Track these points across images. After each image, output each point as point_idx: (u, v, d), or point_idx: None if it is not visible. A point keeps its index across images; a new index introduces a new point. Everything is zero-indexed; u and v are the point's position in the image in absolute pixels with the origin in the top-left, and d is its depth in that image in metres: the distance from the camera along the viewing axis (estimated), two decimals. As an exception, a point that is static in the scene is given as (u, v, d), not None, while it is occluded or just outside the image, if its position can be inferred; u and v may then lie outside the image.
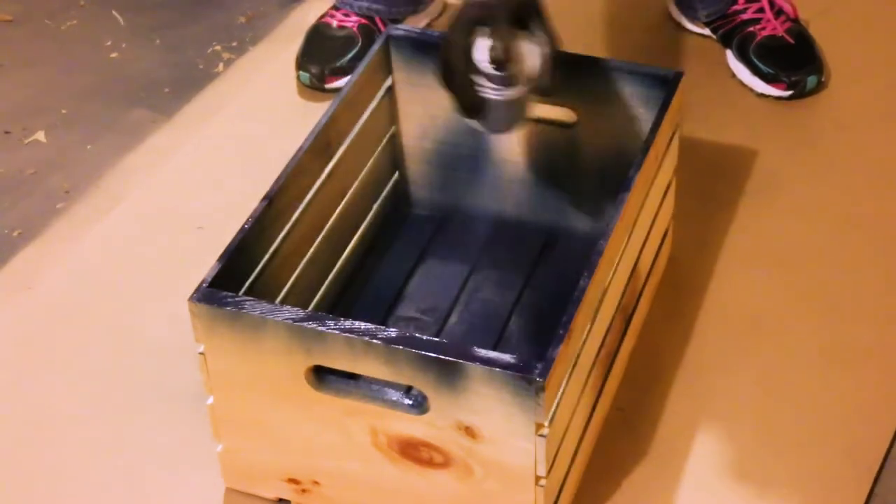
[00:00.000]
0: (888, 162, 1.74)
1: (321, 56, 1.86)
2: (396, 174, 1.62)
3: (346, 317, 1.21)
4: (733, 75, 1.88)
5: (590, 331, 1.28)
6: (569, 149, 1.54)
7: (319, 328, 1.20)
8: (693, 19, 1.94)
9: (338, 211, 1.49)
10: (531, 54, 1.32)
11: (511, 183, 1.59)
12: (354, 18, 1.89)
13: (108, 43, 2.04)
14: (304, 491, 1.33)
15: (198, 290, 1.25)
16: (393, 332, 1.19)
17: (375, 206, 1.59)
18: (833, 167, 1.73)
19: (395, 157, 1.61)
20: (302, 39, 1.90)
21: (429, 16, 1.98)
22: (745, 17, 1.87)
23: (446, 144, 1.59)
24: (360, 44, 1.86)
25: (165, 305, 1.57)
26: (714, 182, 1.71)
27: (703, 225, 1.65)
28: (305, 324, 1.20)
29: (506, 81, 1.31)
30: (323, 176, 1.44)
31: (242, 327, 1.23)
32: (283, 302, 1.39)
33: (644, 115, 1.48)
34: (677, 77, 1.46)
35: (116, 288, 1.61)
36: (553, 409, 1.20)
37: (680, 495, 1.36)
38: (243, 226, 1.32)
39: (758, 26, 1.86)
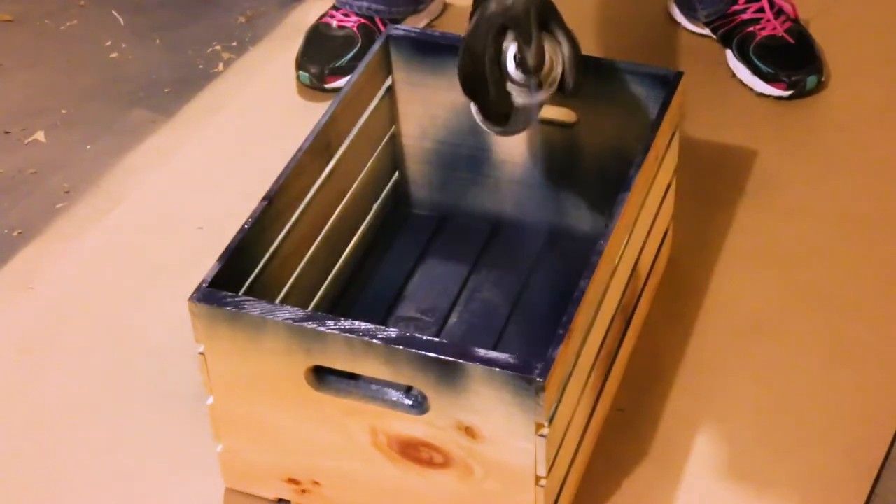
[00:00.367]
0: (888, 162, 1.74)
1: (321, 56, 1.86)
2: (396, 174, 1.62)
3: (346, 317, 1.21)
4: (733, 75, 1.88)
5: (590, 331, 1.28)
6: (569, 149, 1.54)
7: (319, 328, 1.20)
8: (693, 19, 1.94)
9: (338, 211, 1.49)
10: (555, 56, 1.32)
11: (511, 183, 1.59)
12: (354, 18, 1.89)
13: (108, 43, 2.04)
14: (304, 491, 1.33)
15: (198, 290, 1.25)
16: (393, 332, 1.19)
17: (375, 206, 1.59)
18: (833, 167, 1.73)
19: (395, 157, 1.61)
20: (302, 39, 1.90)
21: (429, 16, 1.98)
22: (744, 17, 1.87)
23: (446, 144, 1.59)
24: (360, 44, 1.86)
25: (165, 305, 1.57)
26: (714, 182, 1.71)
27: (703, 225, 1.65)
28: (305, 324, 1.20)
29: (536, 85, 1.31)
30: (323, 176, 1.44)
31: (242, 327, 1.23)
32: (283, 302, 1.39)
33: (644, 115, 1.48)
34: (677, 77, 1.46)
35: (116, 288, 1.61)
36: (553, 409, 1.20)
37: (680, 495, 1.36)
38: (243, 226, 1.31)
39: (758, 26, 1.86)
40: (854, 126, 1.80)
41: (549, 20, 1.31)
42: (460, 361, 1.17)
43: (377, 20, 1.89)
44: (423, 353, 1.18)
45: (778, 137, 1.78)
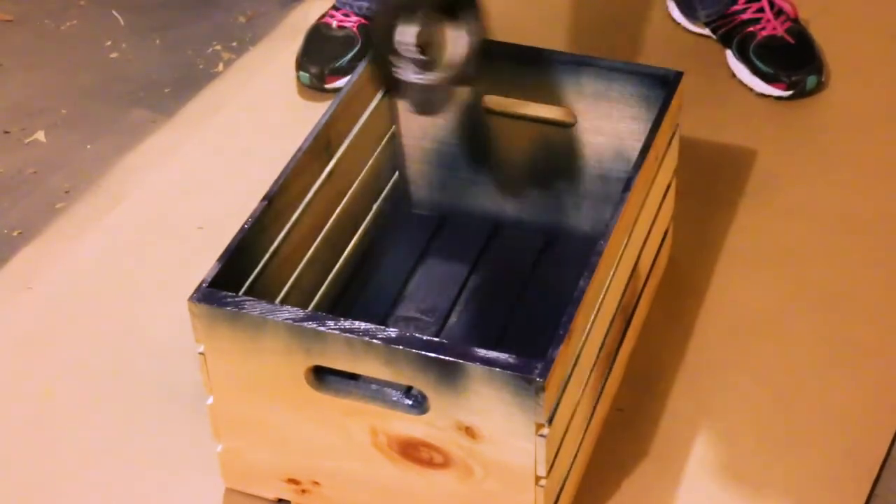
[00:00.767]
0: (888, 162, 1.74)
1: (321, 56, 1.86)
2: (396, 174, 1.62)
3: (346, 317, 1.21)
4: (733, 75, 1.88)
5: (590, 331, 1.28)
6: (569, 149, 1.54)
7: (319, 328, 1.20)
8: (693, 19, 1.94)
9: (338, 211, 1.49)
10: (457, 42, 1.33)
11: (511, 183, 1.59)
12: (354, 18, 1.89)
13: (108, 43, 2.04)
14: (304, 491, 1.33)
15: (198, 290, 1.25)
16: (393, 332, 1.19)
17: (375, 206, 1.59)
18: (833, 167, 1.73)
19: (395, 156, 1.61)
20: (302, 39, 1.90)
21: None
22: (744, 17, 1.87)
23: (446, 144, 1.59)
24: (359, 44, 1.86)
25: (165, 305, 1.57)
26: (714, 182, 1.71)
27: (703, 225, 1.65)
28: (305, 324, 1.20)
29: (424, 65, 1.32)
30: (323, 176, 1.44)
31: (242, 327, 1.23)
32: (283, 302, 1.39)
33: (644, 115, 1.48)
34: (677, 77, 1.46)
35: (116, 288, 1.61)
36: (553, 409, 1.20)
37: (680, 495, 1.36)
38: (243, 226, 1.32)
39: (758, 26, 1.86)
40: (854, 126, 1.80)
41: (457, 8, 1.33)
42: (460, 361, 1.17)
43: (377, 20, 1.89)
44: (423, 353, 1.18)
45: (778, 137, 1.78)
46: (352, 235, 1.55)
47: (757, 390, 1.46)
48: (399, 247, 1.60)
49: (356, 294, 1.54)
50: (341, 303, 1.53)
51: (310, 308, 1.46)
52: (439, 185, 1.62)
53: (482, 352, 1.17)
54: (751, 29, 1.86)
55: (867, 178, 1.72)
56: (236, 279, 1.30)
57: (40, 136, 1.87)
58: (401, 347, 1.18)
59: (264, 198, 1.35)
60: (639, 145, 1.49)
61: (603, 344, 1.34)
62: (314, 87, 1.86)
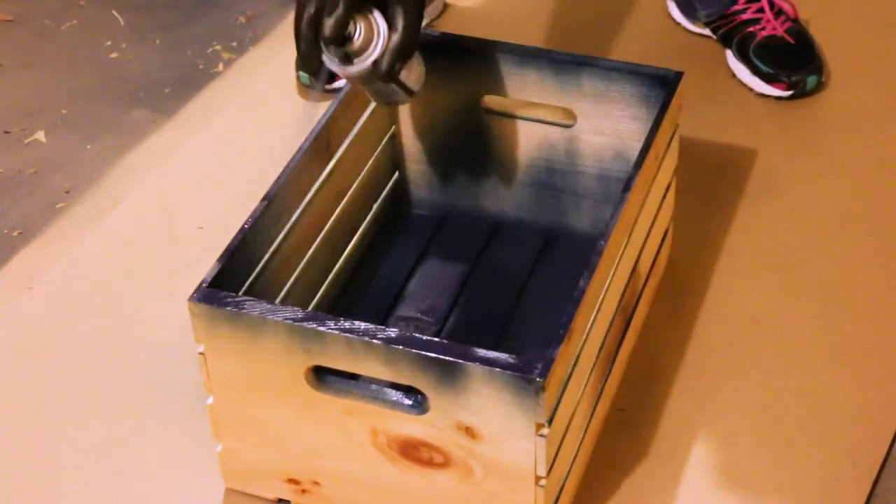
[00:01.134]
0: (888, 162, 1.74)
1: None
2: (396, 174, 1.62)
3: (346, 317, 1.21)
4: (733, 75, 1.88)
5: (590, 331, 1.28)
6: (569, 149, 1.54)
7: (319, 328, 1.20)
8: (693, 19, 1.94)
9: (338, 211, 1.49)
10: (378, 35, 1.30)
11: (511, 183, 1.59)
12: (354, 18, 1.88)
13: (108, 43, 2.04)
14: (304, 491, 1.33)
15: (198, 290, 1.25)
16: (393, 332, 1.19)
17: (375, 206, 1.59)
18: (833, 167, 1.73)
19: (395, 157, 1.61)
20: (302, 39, 1.90)
21: (428, 16, 1.98)
22: (744, 17, 1.87)
23: (446, 144, 1.59)
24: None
25: (165, 305, 1.57)
26: (714, 182, 1.71)
27: (703, 225, 1.65)
28: (305, 324, 1.20)
29: (341, 57, 1.30)
30: (323, 176, 1.44)
31: (242, 327, 1.23)
32: (283, 302, 1.39)
33: (644, 115, 1.48)
34: (677, 77, 1.46)
35: (116, 288, 1.61)
36: (553, 409, 1.20)
37: (680, 495, 1.36)
38: (243, 226, 1.31)
39: (758, 26, 1.86)
40: (854, 126, 1.80)
41: (389, 2, 1.29)
42: (460, 361, 1.17)
43: (377, 20, 1.89)
44: (423, 353, 1.18)
45: (778, 137, 1.78)
46: (352, 235, 1.55)
47: (757, 390, 1.46)
48: (399, 247, 1.60)
49: (356, 294, 1.54)
50: (341, 303, 1.53)
51: (310, 308, 1.46)
52: (439, 185, 1.62)
53: (482, 352, 1.17)
54: (751, 29, 1.86)
55: (867, 178, 1.72)
56: (236, 279, 1.30)
57: (40, 136, 1.87)
58: (401, 347, 1.18)
59: (264, 198, 1.34)
60: (639, 145, 1.49)
61: (603, 344, 1.34)
62: (314, 87, 1.86)
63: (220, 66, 1.97)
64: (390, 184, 1.62)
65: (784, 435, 1.41)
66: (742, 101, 1.84)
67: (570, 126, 1.52)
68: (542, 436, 1.19)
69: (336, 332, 1.20)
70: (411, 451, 1.25)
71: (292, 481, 1.33)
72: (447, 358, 1.17)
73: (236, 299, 1.23)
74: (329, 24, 1.27)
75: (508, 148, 1.56)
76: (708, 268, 1.60)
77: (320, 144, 1.42)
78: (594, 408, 1.36)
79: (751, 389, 1.46)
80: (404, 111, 1.57)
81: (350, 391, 1.24)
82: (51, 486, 1.40)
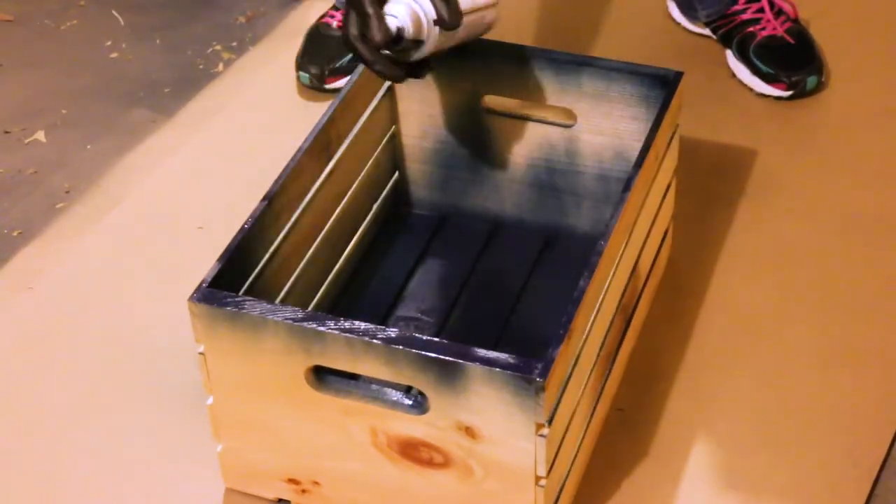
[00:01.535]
0: (888, 162, 1.74)
1: (321, 56, 1.86)
2: (396, 174, 1.62)
3: (346, 317, 1.21)
4: (733, 75, 1.88)
5: (590, 331, 1.28)
6: (569, 149, 1.54)
7: (319, 328, 1.20)
8: (693, 19, 1.94)
9: (337, 211, 1.49)
10: (420, 8, 1.30)
11: (511, 183, 1.59)
12: (354, 18, 1.89)
13: (108, 43, 2.04)
14: (304, 491, 1.33)
15: (198, 290, 1.25)
16: (393, 332, 1.19)
17: (375, 206, 1.59)
18: (833, 167, 1.73)
19: (395, 156, 1.61)
20: (302, 39, 1.90)
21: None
22: (744, 17, 1.87)
23: (446, 144, 1.59)
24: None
25: (165, 305, 1.57)
26: (714, 182, 1.71)
27: (703, 225, 1.65)
28: (305, 324, 1.20)
29: (412, 46, 1.30)
30: (323, 176, 1.44)
31: (242, 327, 1.23)
32: (282, 302, 1.39)
33: (644, 115, 1.48)
34: (677, 77, 1.46)
35: (116, 288, 1.61)
36: (553, 409, 1.20)
37: (680, 495, 1.36)
38: (243, 226, 1.31)
39: (758, 26, 1.86)
40: (854, 126, 1.80)
41: None
42: (460, 361, 1.17)
43: (377, 20, 1.89)
44: (423, 353, 1.18)
45: (778, 137, 1.78)
46: (352, 235, 1.55)
47: (757, 390, 1.46)
48: (399, 247, 1.60)
49: (356, 294, 1.54)
50: (341, 303, 1.53)
51: (310, 308, 1.46)
52: (439, 185, 1.62)
53: (482, 352, 1.17)
54: (751, 29, 1.86)
55: (867, 178, 1.72)
56: (236, 279, 1.30)
57: (40, 136, 1.87)
58: (401, 347, 1.18)
59: (264, 198, 1.34)
60: (639, 145, 1.49)
61: (603, 344, 1.34)
62: (314, 87, 1.86)
63: (220, 66, 1.97)
64: (390, 184, 1.62)
65: (784, 435, 1.41)
66: (742, 101, 1.84)
67: (570, 126, 1.52)
68: (542, 436, 1.19)
69: (336, 332, 1.20)
70: (411, 451, 1.25)
71: (292, 481, 1.33)
72: (447, 358, 1.17)
73: (236, 299, 1.23)
74: (374, 34, 1.28)
75: (508, 148, 1.56)
76: (708, 268, 1.60)
77: (320, 144, 1.42)
78: (594, 408, 1.36)
79: (751, 389, 1.46)
80: (404, 111, 1.57)
81: (350, 391, 1.24)
82: (51, 485, 1.40)
